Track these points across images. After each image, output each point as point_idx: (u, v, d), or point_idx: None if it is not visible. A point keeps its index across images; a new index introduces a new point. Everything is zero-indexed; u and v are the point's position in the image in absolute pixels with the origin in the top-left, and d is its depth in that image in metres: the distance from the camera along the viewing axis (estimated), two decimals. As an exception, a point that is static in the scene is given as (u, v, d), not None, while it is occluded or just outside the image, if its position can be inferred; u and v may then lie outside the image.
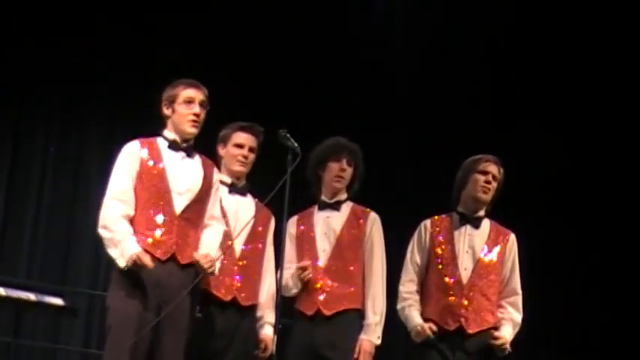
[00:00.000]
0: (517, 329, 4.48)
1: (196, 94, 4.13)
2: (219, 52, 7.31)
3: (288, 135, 3.97)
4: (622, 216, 7.62)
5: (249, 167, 4.44)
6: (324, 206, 4.57)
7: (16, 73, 6.90)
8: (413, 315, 4.46)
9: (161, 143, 4.14)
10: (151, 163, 4.05)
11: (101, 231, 3.97)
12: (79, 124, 7.18)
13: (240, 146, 4.41)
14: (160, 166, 4.05)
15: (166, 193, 4.02)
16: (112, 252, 3.92)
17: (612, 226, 7.61)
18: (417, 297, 4.51)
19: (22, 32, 6.86)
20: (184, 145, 4.14)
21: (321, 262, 4.47)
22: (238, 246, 4.32)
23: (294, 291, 4.47)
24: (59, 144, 7.08)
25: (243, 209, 4.38)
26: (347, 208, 4.58)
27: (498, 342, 4.35)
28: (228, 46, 7.37)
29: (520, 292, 4.54)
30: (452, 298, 4.40)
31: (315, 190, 4.63)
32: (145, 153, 4.07)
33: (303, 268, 4.41)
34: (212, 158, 4.37)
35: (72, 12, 7.01)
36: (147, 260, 3.86)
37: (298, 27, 7.46)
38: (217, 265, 4.06)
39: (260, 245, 4.40)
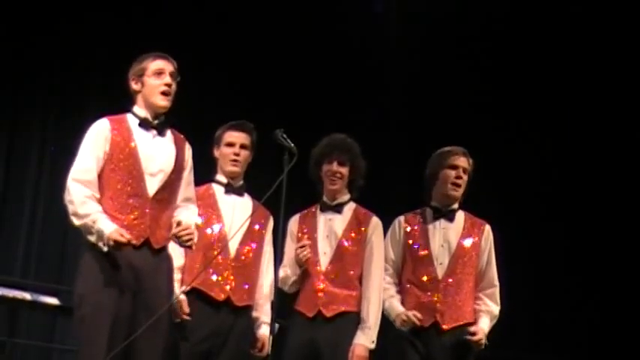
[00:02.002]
0: (494, 321, 4.47)
1: (166, 65, 3.96)
2: (218, 51, 7.31)
3: (284, 135, 3.93)
4: (603, 209, 7.65)
5: (243, 166, 4.42)
6: (325, 208, 4.56)
7: (12, 69, 6.88)
8: (394, 304, 4.44)
9: (131, 121, 3.92)
10: (121, 143, 3.83)
11: (72, 218, 3.76)
12: (76, 122, 7.15)
13: (231, 145, 4.39)
14: (132, 145, 3.84)
15: (138, 174, 3.81)
16: (91, 238, 3.72)
17: (595, 221, 7.65)
18: (396, 288, 4.50)
19: (18, 22, 6.85)
20: (156, 122, 3.93)
21: (322, 264, 4.46)
22: (234, 246, 4.29)
23: (293, 279, 4.44)
24: (55, 143, 7.06)
25: (239, 209, 4.36)
26: (349, 211, 4.56)
27: (475, 338, 4.33)
28: (227, 46, 7.37)
29: (497, 283, 4.51)
30: (427, 294, 4.38)
31: (320, 190, 4.61)
32: (114, 132, 3.84)
33: (303, 247, 4.39)
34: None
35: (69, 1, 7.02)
36: (125, 235, 3.64)
37: (296, 27, 7.47)
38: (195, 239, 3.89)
39: (256, 245, 4.37)
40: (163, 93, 3.92)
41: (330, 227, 4.51)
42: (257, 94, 7.26)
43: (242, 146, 4.39)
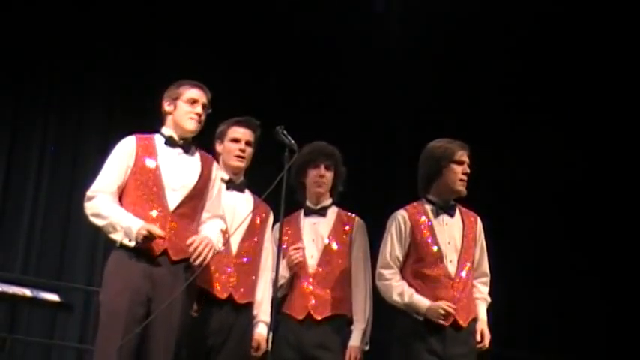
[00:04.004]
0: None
1: (200, 95, 4.13)
2: (218, 50, 7.32)
3: (285, 132, 3.95)
4: (607, 207, 7.68)
5: (247, 162, 4.44)
6: (309, 212, 4.61)
7: (12, 69, 6.89)
8: (417, 298, 4.26)
9: (158, 140, 4.12)
10: (145, 159, 4.02)
11: (94, 220, 3.97)
12: (77, 122, 7.17)
13: (236, 141, 4.40)
14: (154, 162, 4.02)
15: (159, 189, 3.98)
16: (115, 236, 3.91)
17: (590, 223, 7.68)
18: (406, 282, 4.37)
19: (18, 21, 6.85)
20: (181, 142, 4.12)
21: (310, 267, 4.49)
22: (235, 242, 4.30)
23: (282, 281, 4.43)
24: (57, 142, 7.07)
25: (240, 205, 4.38)
26: (333, 214, 4.61)
27: (486, 341, 4.34)
28: (227, 44, 7.38)
29: (489, 273, 4.49)
30: (442, 292, 4.28)
31: (300, 196, 4.66)
32: (140, 149, 4.04)
33: (297, 249, 4.44)
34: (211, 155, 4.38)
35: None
36: (156, 229, 3.84)
37: (297, 26, 7.48)
38: (208, 253, 3.94)
39: (258, 242, 4.39)
40: (193, 119, 4.09)
41: (316, 230, 4.55)
42: (257, 91, 7.28)
43: (247, 143, 4.42)
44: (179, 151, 4.10)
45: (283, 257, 4.41)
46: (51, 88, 7.10)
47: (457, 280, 4.33)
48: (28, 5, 6.90)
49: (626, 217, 7.67)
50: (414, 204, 4.47)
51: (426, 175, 4.43)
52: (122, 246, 3.92)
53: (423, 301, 4.25)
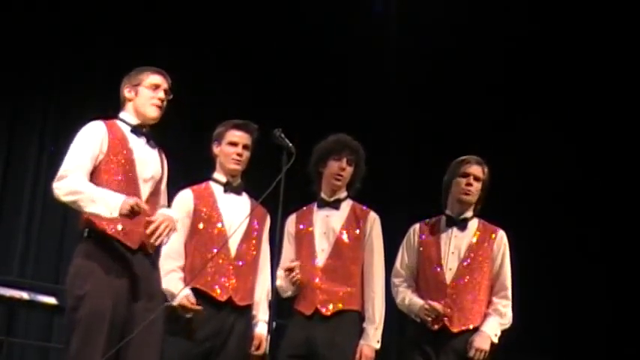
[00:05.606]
0: (506, 321, 4.48)
1: (162, 81, 4.01)
2: (217, 50, 7.31)
3: (282, 135, 3.92)
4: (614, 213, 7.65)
5: (244, 165, 4.42)
6: (323, 204, 4.57)
7: (12, 68, 6.87)
8: (414, 299, 4.48)
9: (122, 126, 3.94)
10: (118, 146, 3.86)
11: (68, 197, 3.70)
12: (76, 122, 7.13)
13: (234, 144, 4.38)
14: (129, 149, 3.88)
15: (134, 180, 3.85)
16: (92, 208, 3.66)
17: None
18: (406, 285, 4.58)
19: (18, 21, 6.84)
20: (145, 130, 3.98)
21: (320, 261, 4.46)
22: (234, 245, 4.29)
23: (289, 293, 4.47)
24: (55, 142, 7.05)
25: (238, 208, 4.36)
26: (347, 207, 4.57)
27: (471, 352, 4.35)
28: (226, 45, 7.37)
29: (509, 286, 4.53)
30: (435, 296, 4.41)
31: (316, 187, 4.62)
32: (111, 135, 3.86)
33: (290, 269, 4.38)
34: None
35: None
36: (143, 204, 3.68)
37: (296, 26, 7.48)
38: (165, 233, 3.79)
39: (256, 244, 4.37)
40: (155, 105, 3.97)
41: (328, 223, 4.51)
42: (255, 92, 7.27)
43: (244, 147, 4.40)
44: (144, 140, 3.98)
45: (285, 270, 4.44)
46: (50, 87, 7.09)
47: (452, 288, 4.43)
48: (28, 5, 6.88)
49: (627, 217, 7.64)
50: (433, 218, 4.67)
51: (444, 190, 4.65)
52: (91, 236, 3.76)
53: (418, 302, 4.45)
